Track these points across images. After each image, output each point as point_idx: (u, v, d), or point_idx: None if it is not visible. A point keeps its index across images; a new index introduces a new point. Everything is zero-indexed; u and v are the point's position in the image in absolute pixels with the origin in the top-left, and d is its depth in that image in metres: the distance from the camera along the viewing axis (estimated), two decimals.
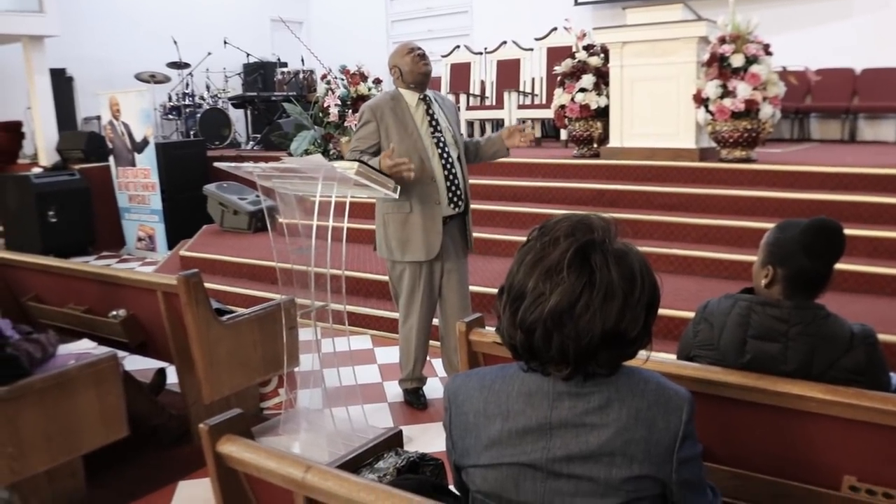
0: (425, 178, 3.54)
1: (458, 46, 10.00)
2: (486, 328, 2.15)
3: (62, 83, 9.45)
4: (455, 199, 3.63)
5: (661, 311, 3.89)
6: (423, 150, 3.55)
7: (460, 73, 9.81)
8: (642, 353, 1.39)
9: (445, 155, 3.61)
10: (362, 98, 7.39)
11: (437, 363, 4.21)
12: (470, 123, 9.21)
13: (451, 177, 3.61)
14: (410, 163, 3.38)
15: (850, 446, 1.76)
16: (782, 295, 1.96)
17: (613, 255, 1.31)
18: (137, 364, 3.98)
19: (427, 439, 3.42)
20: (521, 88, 8.96)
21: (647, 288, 1.33)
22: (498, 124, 9.37)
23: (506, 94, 8.54)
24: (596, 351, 1.29)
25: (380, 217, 3.71)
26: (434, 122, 3.63)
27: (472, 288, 4.97)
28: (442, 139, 3.62)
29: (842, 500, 1.75)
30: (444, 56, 10.03)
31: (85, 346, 3.29)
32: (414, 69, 3.60)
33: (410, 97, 3.63)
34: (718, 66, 5.72)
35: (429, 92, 3.71)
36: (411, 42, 3.72)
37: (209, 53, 10.45)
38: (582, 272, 1.28)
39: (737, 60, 5.65)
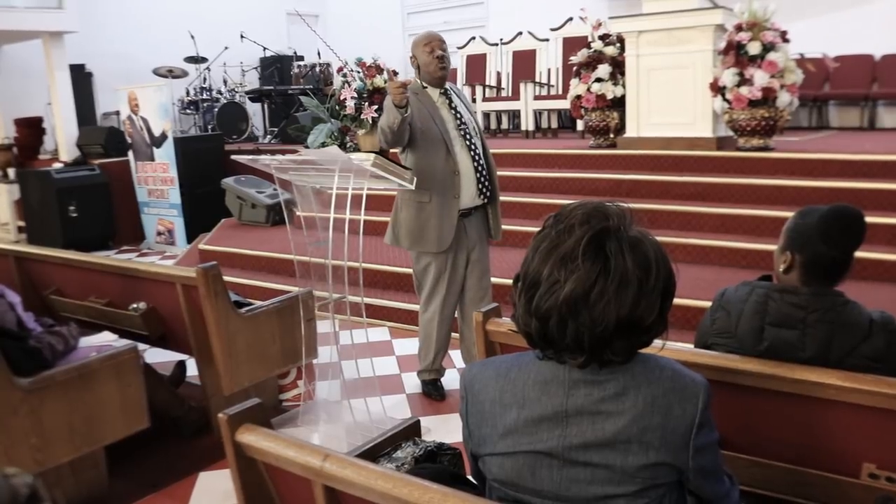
0: (448, 171, 3.53)
1: (473, 38, 9.97)
2: (503, 318, 2.16)
3: (82, 79, 9.54)
4: (484, 189, 3.62)
5: (678, 301, 3.88)
6: (449, 144, 3.53)
7: (476, 65, 9.78)
8: (657, 342, 1.38)
9: (473, 146, 3.61)
10: (378, 91, 7.41)
11: (455, 354, 4.21)
12: (486, 115, 9.19)
13: (479, 168, 3.60)
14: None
15: (869, 434, 1.75)
16: (800, 281, 1.94)
17: (628, 242, 1.30)
18: (158, 357, 4.02)
19: (445, 429, 3.44)
20: (537, 79, 8.93)
21: (662, 275, 1.32)
22: (514, 115, 9.36)
23: (522, 86, 8.51)
24: (611, 339, 1.29)
25: (395, 202, 3.71)
26: (458, 115, 3.62)
27: None
28: (467, 132, 3.62)
29: (861, 487, 1.74)
30: (459, 48, 10.00)
31: (106, 339, 3.33)
32: (428, 69, 3.59)
33: (432, 91, 3.62)
34: (735, 54, 5.68)
35: (447, 84, 3.70)
36: (432, 34, 3.65)
37: (226, 48, 10.49)
38: (597, 259, 1.28)
39: (754, 48, 5.61)
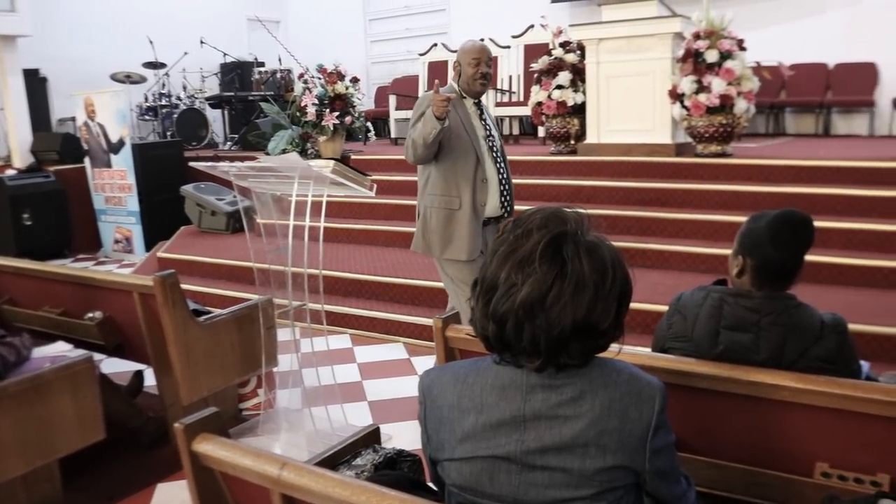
0: (478, 180, 3.50)
1: (435, 45, 9.99)
2: (462, 324, 2.16)
3: (36, 84, 9.34)
4: (504, 201, 3.60)
5: (638, 305, 3.92)
6: (479, 153, 3.51)
7: (438, 72, 9.79)
8: (614, 346, 1.39)
9: (499, 159, 3.60)
10: (340, 97, 7.39)
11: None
12: None
13: (503, 180, 3.60)
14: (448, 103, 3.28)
15: (822, 434, 1.78)
16: (752, 284, 1.98)
17: (585, 246, 1.31)
18: (114, 367, 3.95)
19: (407, 436, 3.42)
20: (499, 86, 8.96)
21: (618, 280, 1.33)
22: None
23: None
24: (567, 342, 1.30)
25: (422, 210, 3.63)
26: (487, 127, 3.61)
27: (442, 285, 5.00)
28: (495, 144, 3.61)
29: (814, 486, 1.77)
30: (421, 55, 10.03)
31: (60, 349, 3.26)
32: (470, 81, 3.55)
33: (467, 101, 3.59)
34: (693, 61, 5.76)
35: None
36: (484, 49, 3.60)
37: (185, 53, 10.38)
38: (553, 263, 1.29)
39: (711, 56, 5.70)
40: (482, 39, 9.62)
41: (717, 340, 1.95)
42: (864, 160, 5.47)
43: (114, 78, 9.51)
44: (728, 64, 5.68)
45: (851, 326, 2.04)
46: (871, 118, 8.27)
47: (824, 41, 8.33)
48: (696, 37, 5.80)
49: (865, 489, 1.71)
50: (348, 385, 4.15)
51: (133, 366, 3.86)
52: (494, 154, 3.58)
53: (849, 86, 8.27)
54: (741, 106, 5.75)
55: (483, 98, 3.71)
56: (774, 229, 1.95)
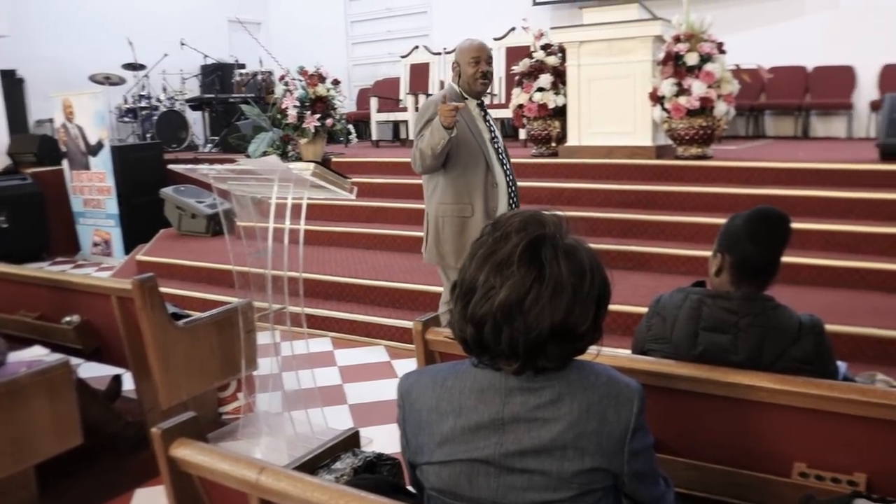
0: (488, 185, 3.45)
1: (416, 47, 10.00)
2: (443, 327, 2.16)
3: (12, 85, 9.24)
4: (512, 204, 3.57)
5: (619, 307, 3.93)
6: (488, 156, 3.45)
7: (419, 74, 9.81)
8: (593, 349, 1.39)
9: (505, 161, 3.55)
10: (321, 99, 7.37)
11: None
12: None
13: (510, 183, 3.55)
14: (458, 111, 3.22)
15: (799, 434, 1.79)
16: (730, 283, 2.00)
17: (563, 249, 1.32)
18: (92, 371, 3.91)
19: (388, 440, 3.41)
20: None
21: (596, 283, 1.34)
22: None
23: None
24: (545, 345, 1.30)
25: (433, 219, 3.56)
26: (492, 129, 3.54)
27: (425, 287, 5.02)
28: (500, 147, 3.55)
29: (792, 486, 1.78)
30: (403, 57, 10.03)
31: (37, 354, 3.22)
32: (470, 81, 3.47)
33: (470, 102, 3.51)
34: (673, 64, 5.79)
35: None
36: (483, 47, 3.50)
37: (165, 55, 10.31)
38: (532, 266, 1.29)
39: (691, 59, 5.73)
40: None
41: (696, 342, 1.96)
42: (842, 162, 5.52)
43: (93, 79, 9.43)
44: (708, 67, 5.72)
45: (829, 327, 2.06)
46: (849, 121, 8.36)
47: (803, 44, 8.41)
48: (677, 40, 5.83)
49: (842, 489, 1.73)
50: (329, 388, 4.14)
51: (111, 370, 3.82)
52: (500, 156, 3.53)
53: (827, 89, 8.36)
54: (721, 108, 5.78)
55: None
56: (752, 225, 1.97)
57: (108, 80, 9.43)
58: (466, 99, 3.48)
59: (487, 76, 3.49)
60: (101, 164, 7.80)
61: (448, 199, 3.46)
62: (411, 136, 9.09)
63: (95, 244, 8.15)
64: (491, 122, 3.58)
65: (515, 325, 1.29)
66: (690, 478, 1.89)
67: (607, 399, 1.34)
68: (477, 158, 3.41)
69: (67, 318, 3.50)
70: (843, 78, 8.34)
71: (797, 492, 1.76)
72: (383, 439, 3.44)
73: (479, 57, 3.45)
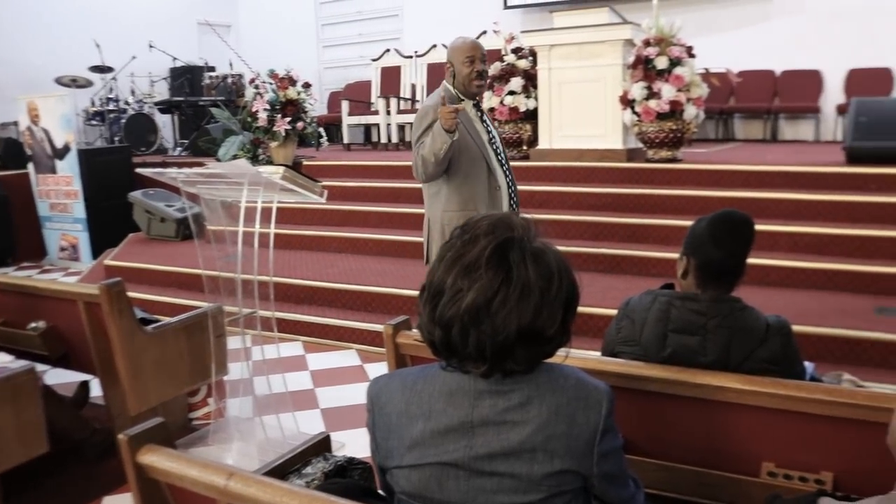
0: (491, 188, 3.37)
1: (388, 50, 10.00)
2: (414, 330, 2.15)
3: None
4: (513, 205, 3.48)
5: (590, 310, 3.94)
6: (488, 159, 3.36)
7: (391, 77, 9.80)
8: (561, 352, 1.40)
9: (504, 162, 3.46)
10: (291, 102, 7.33)
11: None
12: (401, 127, 9.20)
13: (510, 183, 3.47)
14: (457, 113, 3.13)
15: (768, 434, 1.81)
16: (696, 285, 2.02)
17: (531, 253, 1.32)
18: (59, 377, 3.85)
19: (360, 444, 3.40)
20: None
21: (564, 286, 1.34)
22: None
23: None
24: (512, 348, 1.30)
25: (437, 227, 3.43)
26: (489, 131, 3.45)
27: (397, 291, 5.01)
28: (498, 148, 3.46)
29: (761, 485, 1.80)
30: (374, 60, 10.02)
31: (1, 361, 3.16)
32: (466, 82, 3.36)
33: (466, 103, 3.39)
34: (643, 68, 5.84)
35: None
36: (476, 45, 3.38)
37: (134, 57, 10.20)
38: (499, 269, 1.29)
39: (661, 63, 5.78)
40: (435, 45, 9.66)
41: (664, 344, 1.98)
42: (809, 165, 5.60)
43: (59, 82, 9.29)
44: (677, 70, 5.77)
45: (797, 328, 2.08)
46: (817, 124, 8.49)
47: (771, 49, 8.53)
48: (647, 44, 5.88)
49: (809, 487, 1.75)
50: (300, 393, 4.11)
51: (79, 376, 3.77)
52: (500, 158, 3.45)
53: (795, 93, 8.49)
54: (691, 112, 5.84)
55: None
56: (715, 229, 2.00)
57: (74, 83, 9.31)
58: (463, 100, 3.39)
59: (483, 75, 3.40)
60: (68, 168, 7.70)
61: (453, 207, 3.35)
62: (382, 140, 9.17)
63: (62, 249, 8.04)
64: (488, 122, 3.50)
65: (483, 328, 1.29)
66: (661, 478, 1.90)
67: (576, 401, 1.34)
68: (478, 162, 3.33)
69: (33, 324, 3.44)
70: (810, 82, 8.47)
71: (766, 491, 1.78)
72: (355, 443, 3.42)
73: (474, 56, 3.35)
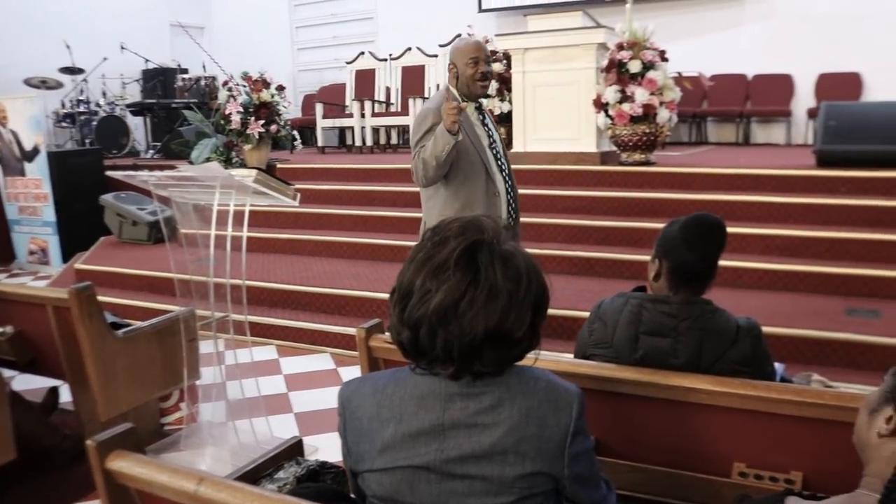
0: (490, 194, 3.28)
1: (362, 53, 9.97)
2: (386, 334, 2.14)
3: None
4: (511, 211, 3.38)
5: (564, 312, 3.94)
6: (487, 164, 3.28)
7: (365, 80, 9.77)
8: (531, 354, 1.40)
9: (504, 167, 3.38)
10: (265, 105, 7.29)
11: None
12: (376, 130, 9.19)
13: (510, 189, 3.38)
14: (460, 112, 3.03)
15: (738, 434, 1.83)
16: (668, 288, 2.03)
17: (500, 255, 1.32)
18: (28, 383, 3.79)
19: (334, 448, 3.37)
20: (426, 95, 8.99)
21: (533, 289, 1.34)
22: (404, 131, 9.38)
23: (411, 101, 8.55)
24: (480, 349, 1.30)
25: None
26: (490, 134, 3.37)
27: (371, 294, 4.99)
28: (499, 152, 3.38)
29: (732, 486, 1.81)
30: (348, 63, 9.99)
31: None
32: (470, 83, 3.26)
33: (468, 105, 3.29)
34: (617, 71, 5.88)
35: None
36: (480, 46, 3.31)
37: (105, 59, 10.08)
38: (468, 271, 1.29)
39: (634, 66, 5.82)
40: (409, 49, 9.65)
41: (636, 346, 1.99)
42: (780, 168, 5.66)
43: (28, 83, 9.16)
44: (650, 74, 5.82)
45: (768, 329, 2.10)
46: (788, 127, 8.59)
47: (743, 53, 8.64)
48: (620, 47, 5.92)
49: (780, 487, 1.76)
50: (274, 397, 4.08)
51: (48, 382, 3.71)
52: (500, 163, 3.36)
53: (767, 96, 8.59)
54: (664, 115, 5.89)
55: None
56: (687, 232, 2.01)
57: (44, 84, 9.18)
58: (466, 102, 3.28)
59: (487, 76, 3.32)
60: (38, 171, 7.60)
61: (451, 212, 3.23)
62: (357, 143, 9.15)
63: (32, 252, 7.93)
64: (490, 125, 3.42)
65: (450, 329, 1.29)
66: (634, 480, 1.91)
67: (547, 403, 1.34)
68: (477, 167, 3.25)
69: (0, 329, 3.39)
70: (781, 86, 8.58)
71: (737, 491, 1.79)
72: (329, 447, 3.40)
73: (478, 56, 3.26)
